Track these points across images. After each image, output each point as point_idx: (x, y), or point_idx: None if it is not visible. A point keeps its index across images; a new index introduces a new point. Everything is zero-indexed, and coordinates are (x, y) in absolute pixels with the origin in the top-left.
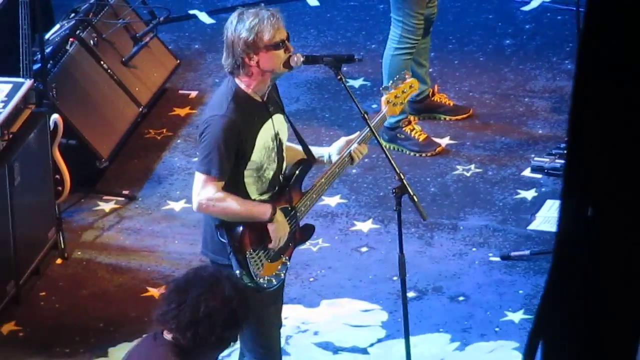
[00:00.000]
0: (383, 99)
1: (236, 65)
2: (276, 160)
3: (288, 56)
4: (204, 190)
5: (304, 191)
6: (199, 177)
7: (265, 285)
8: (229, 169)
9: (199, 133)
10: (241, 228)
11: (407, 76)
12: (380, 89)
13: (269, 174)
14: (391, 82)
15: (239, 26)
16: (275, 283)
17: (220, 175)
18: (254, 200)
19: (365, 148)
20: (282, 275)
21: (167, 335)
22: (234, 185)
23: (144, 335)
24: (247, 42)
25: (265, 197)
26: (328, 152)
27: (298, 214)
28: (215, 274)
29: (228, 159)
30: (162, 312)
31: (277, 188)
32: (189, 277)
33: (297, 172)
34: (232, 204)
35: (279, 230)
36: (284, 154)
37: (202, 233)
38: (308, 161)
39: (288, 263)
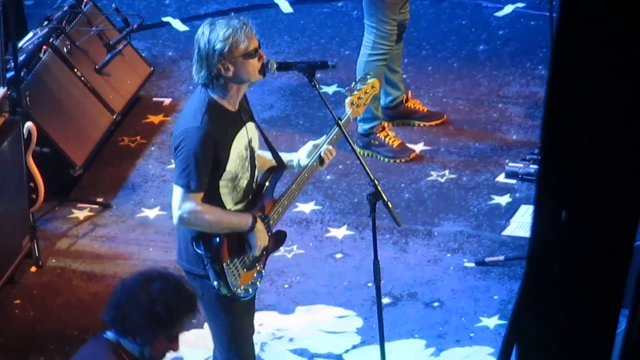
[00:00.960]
0: (347, 100)
1: (210, 77)
2: (249, 169)
3: (262, 63)
4: (185, 204)
5: (275, 198)
6: (178, 191)
7: (242, 294)
8: (207, 180)
9: (174, 147)
10: (218, 239)
11: (368, 77)
12: (343, 91)
13: (244, 183)
14: (353, 83)
15: (212, 37)
16: (251, 292)
17: (199, 188)
18: (230, 210)
19: (333, 150)
20: (258, 283)
21: (107, 334)
22: (210, 197)
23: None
24: (223, 53)
25: (240, 206)
26: (297, 157)
27: (271, 222)
28: (160, 273)
29: (206, 170)
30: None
31: (250, 197)
32: (132, 275)
33: (268, 179)
34: (214, 216)
35: (260, 239)
36: (256, 162)
37: (177, 243)
38: (279, 168)
39: (263, 272)
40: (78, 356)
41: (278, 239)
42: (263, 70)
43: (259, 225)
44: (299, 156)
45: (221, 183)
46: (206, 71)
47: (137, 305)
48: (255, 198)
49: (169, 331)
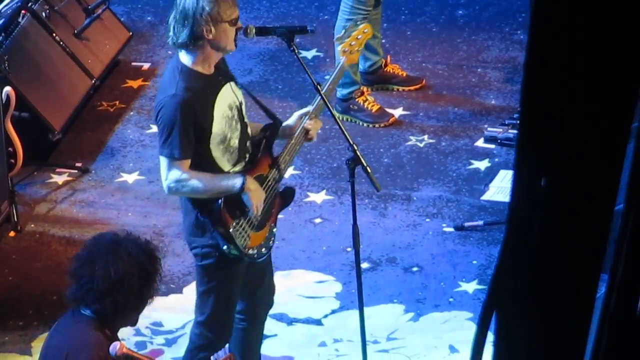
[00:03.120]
0: (339, 49)
1: (191, 38)
2: (239, 128)
3: (236, 34)
4: (171, 173)
5: (275, 155)
6: (164, 161)
7: (255, 255)
8: (191, 146)
9: (154, 117)
10: (219, 203)
11: (359, 23)
12: (334, 40)
13: (234, 142)
14: (343, 31)
15: None
16: (265, 252)
17: (183, 155)
18: (229, 172)
19: (319, 122)
20: (271, 242)
21: (85, 311)
22: (204, 163)
23: (61, 317)
24: (212, 14)
25: (238, 167)
26: (285, 125)
27: (275, 179)
28: (114, 238)
29: (187, 137)
30: (75, 289)
31: (247, 156)
32: (90, 249)
33: (265, 137)
34: (200, 182)
35: (254, 197)
36: (246, 120)
37: (182, 221)
38: (274, 125)
39: (275, 230)
40: (57, 333)
41: (287, 196)
42: (236, 43)
43: (251, 184)
44: (287, 124)
45: (212, 147)
46: (189, 30)
47: (134, 283)
48: (253, 157)
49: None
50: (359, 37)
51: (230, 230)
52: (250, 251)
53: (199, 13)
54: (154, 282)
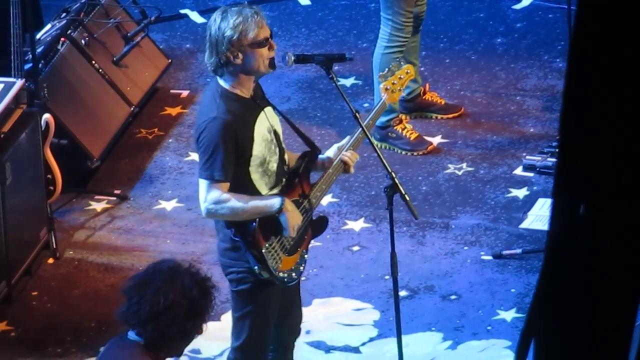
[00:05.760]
0: (381, 86)
1: (220, 64)
2: (277, 152)
3: (272, 54)
4: (210, 195)
5: (312, 183)
6: (203, 183)
7: (286, 279)
8: (231, 169)
9: (195, 140)
10: (254, 223)
11: (402, 62)
12: (378, 76)
13: (273, 166)
14: (387, 69)
15: (222, 24)
16: (295, 277)
17: (224, 177)
18: (263, 195)
19: (356, 155)
20: (302, 268)
21: (132, 335)
22: (243, 185)
23: (110, 340)
24: (232, 41)
25: (275, 191)
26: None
27: (310, 205)
28: (174, 267)
29: (228, 159)
30: (124, 309)
31: (284, 181)
32: (148, 272)
33: (302, 164)
34: (240, 203)
35: (291, 219)
36: (283, 145)
37: (217, 241)
38: (312, 152)
39: (306, 256)
40: (105, 358)
41: (320, 224)
42: (273, 63)
43: (289, 205)
44: (325, 156)
45: (251, 169)
46: (216, 58)
47: (180, 315)
48: (290, 182)
49: (204, 324)
50: (402, 76)
51: (263, 250)
52: (281, 274)
53: (221, 41)
54: (201, 318)
